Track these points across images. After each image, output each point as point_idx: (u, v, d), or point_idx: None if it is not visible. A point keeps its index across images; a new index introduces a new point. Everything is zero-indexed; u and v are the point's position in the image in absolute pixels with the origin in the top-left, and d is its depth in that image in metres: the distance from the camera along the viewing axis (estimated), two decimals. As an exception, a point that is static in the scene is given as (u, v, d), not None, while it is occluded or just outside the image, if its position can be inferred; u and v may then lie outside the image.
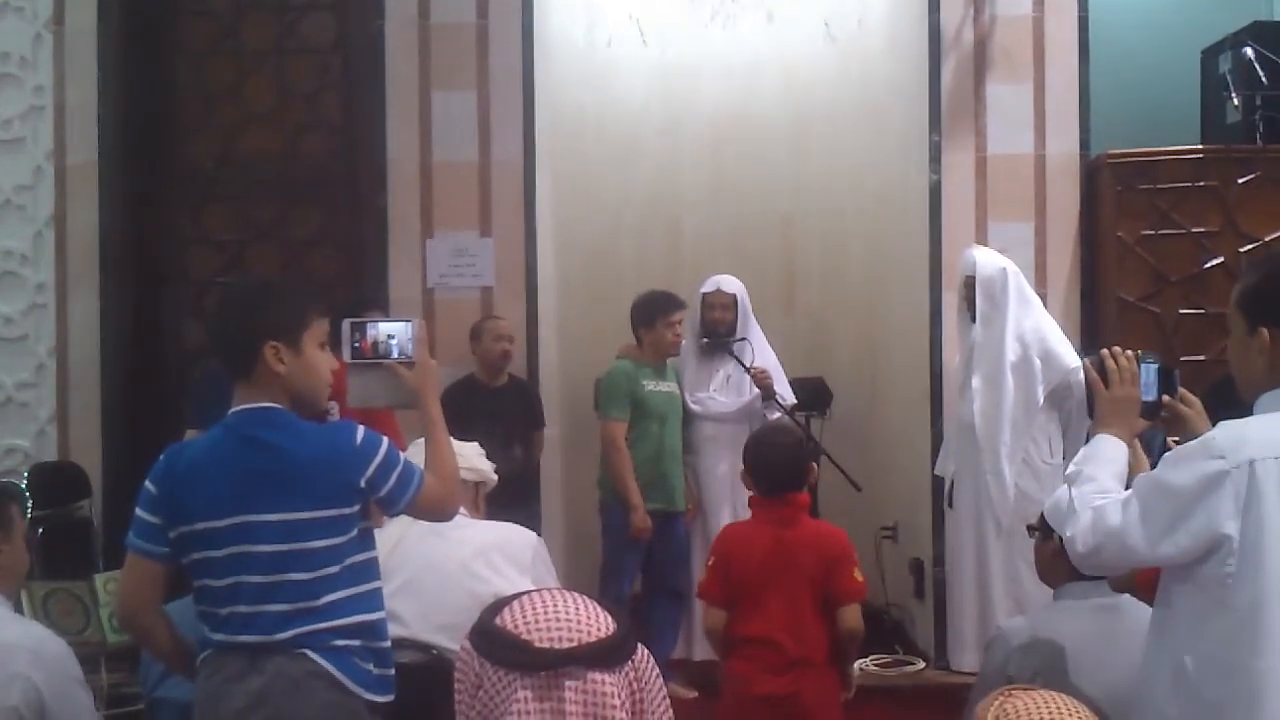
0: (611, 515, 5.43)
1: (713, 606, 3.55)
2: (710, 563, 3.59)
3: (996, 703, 2.08)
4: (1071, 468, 2.40)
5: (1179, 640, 2.18)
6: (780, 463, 3.57)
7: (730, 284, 5.66)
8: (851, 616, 3.45)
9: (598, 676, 1.89)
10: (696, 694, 5.12)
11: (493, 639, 1.92)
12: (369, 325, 2.77)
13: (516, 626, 1.91)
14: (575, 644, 1.89)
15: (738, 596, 3.50)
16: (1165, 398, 2.47)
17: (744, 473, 3.67)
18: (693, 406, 5.57)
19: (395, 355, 2.74)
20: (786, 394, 5.58)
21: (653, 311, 5.48)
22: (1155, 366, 2.48)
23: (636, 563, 5.42)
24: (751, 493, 3.64)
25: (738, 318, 5.60)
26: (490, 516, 3.37)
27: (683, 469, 5.52)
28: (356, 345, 2.75)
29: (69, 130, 5.77)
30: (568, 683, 1.88)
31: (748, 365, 5.47)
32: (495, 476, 3.34)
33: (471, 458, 3.21)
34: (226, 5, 5.97)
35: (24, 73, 5.81)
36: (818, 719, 3.44)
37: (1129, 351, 2.46)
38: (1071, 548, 2.29)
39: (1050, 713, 2.01)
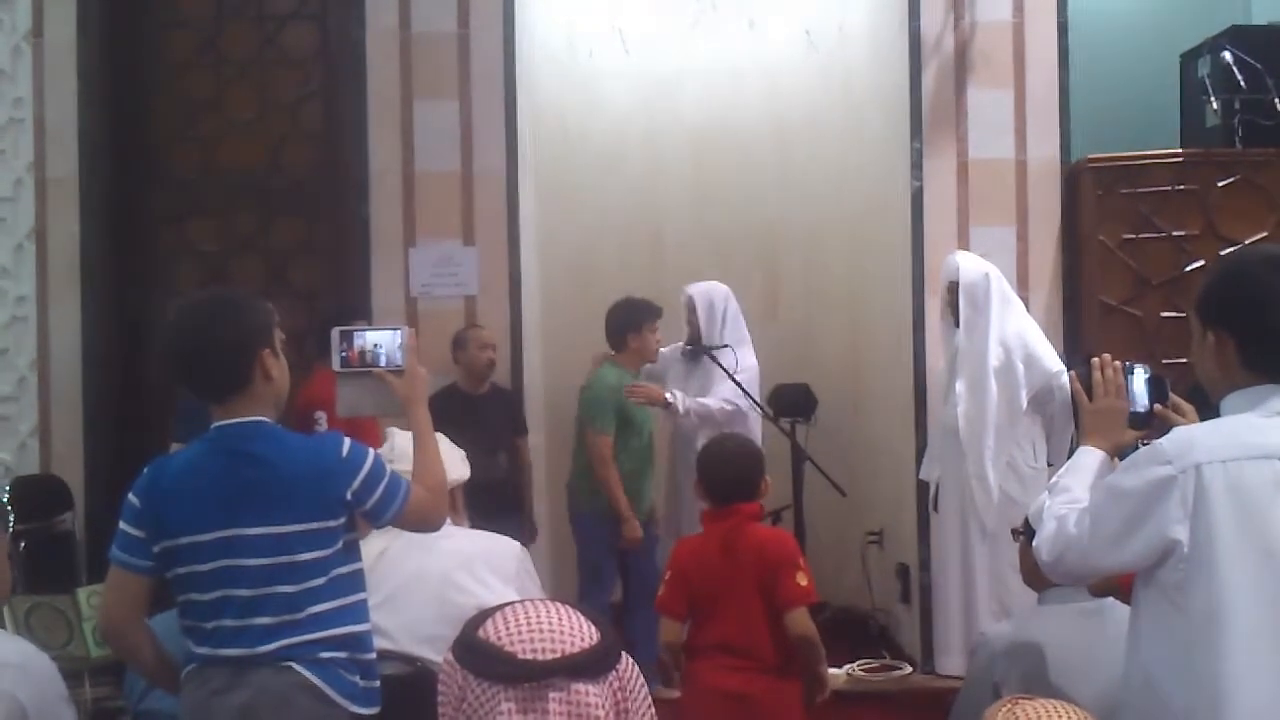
0: (585, 524, 5.43)
1: (669, 619, 3.54)
2: (667, 576, 3.57)
3: (1005, 709, 2.09)
4: (1052, 479, 2.42)
5: (1145, 645, 2.20)
6: (728, 474, 3.55)
7: (694, 288, 5.69)
8: (798, 622, 3.41)
9: (582, 687, 1.89)
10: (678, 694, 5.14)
11: (476, 651, 1.91)
12: (356, 334, 2.77)
13: (499, 638, 1.90)
14: (558, 655, 1.89)
15: (694, 607, 3.51)
16: (1157, 406, 2.48)
17: (696, 484, 3.66)
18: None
19: (383, 364, 2.73)
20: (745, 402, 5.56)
21: (640, 318, 5.50)
22: (1145, 376, 2.48)
23: (614, 570, 5.42)
24: (704, 505, 3.63)
25: (700, 322, 5.61)
26: (476, 525, 3.36)
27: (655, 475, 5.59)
28: (344, 354, 2.74)
29: (49, 142, 5.74)
30: (552, 694, 1.87)
31: (731, 371, 5.48)
32: (467, 471, 3.26)
33: (445, 452, 3.14)
34: (206, 16, 5.96)
35: (3, 85, 5.78)
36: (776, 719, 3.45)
37: (1116, 362, 2.47)
38: (1038, 557, 2.32)
39: None
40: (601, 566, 5.40)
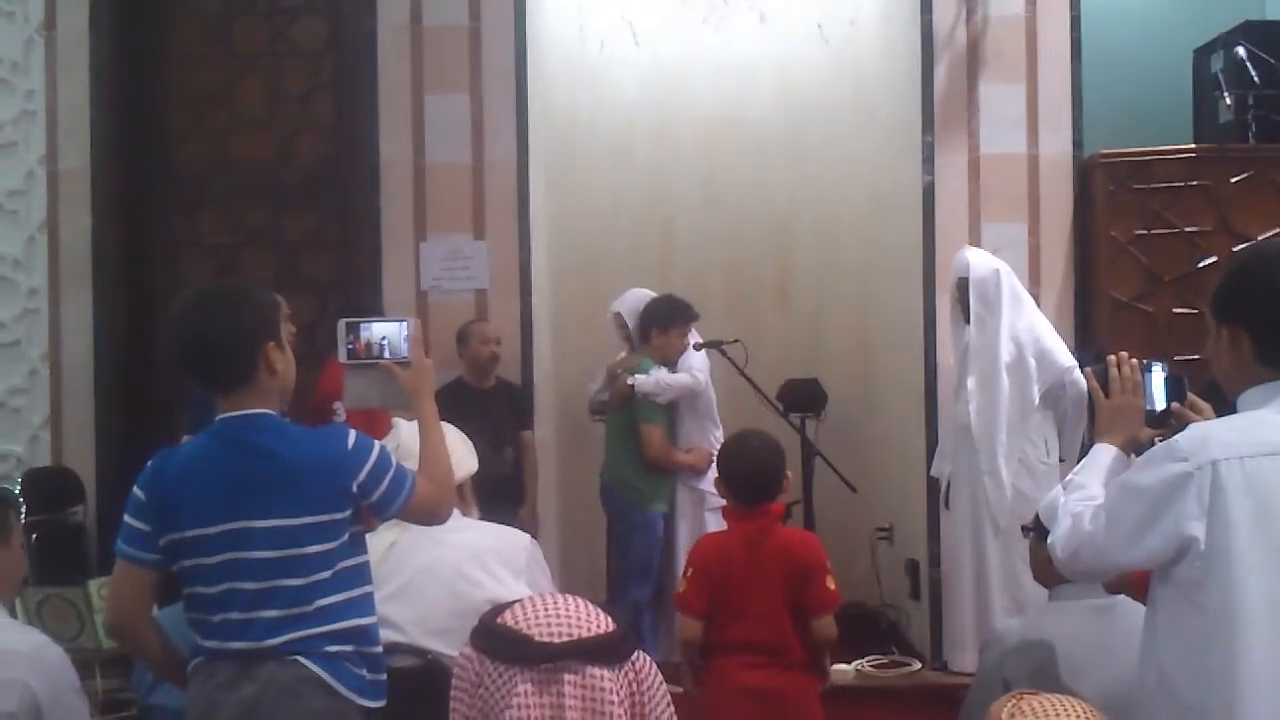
0: (648, 525, 5.45)
1: (690, 617, 3.51)
2: (689, 574, 3.53)
3: (1010, 704, 2.09)
4: (1069, 477, 2.41)
5: (1161, 642, 2.18)
6: (754, 472, 3.52)
7: (620, 303, 5.78)
8: (827, 627, 3.46)
9: (596, 671, 1.92)
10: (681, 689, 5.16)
11: (494, 636, 1.95)
12: (362, 326, 2.76)
13: (517, 623, 1.94)
14: (573, 638, 1.92)
15: (717, 606, 3.48)
16: (1174, 405, 2.47)
17: (717, 482, 3.64)
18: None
19: (389, 355, 2.73)
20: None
21: (669, 317, 5.54)
22: (1164, 375, 2.47)
23: (664, 565, 5.41)
24: (725, 502, 3.62)
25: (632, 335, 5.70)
26: (483, 518, 3.35)
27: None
28: (351, 346, 2.74)
29: (61, 135, 5.74)
30: (567, 676, 1.91)
31: (741, 367, 5.49)
32: (475, 463, 3.25)
33: (455, 444, 3.11)
34: (218, 9, 5.96)
35: (15, 77, 5.79)
36: (799, 715, 3.47)
37: (1133, 360, 2.46)
38: (1054, 554, 2.31)
39: (1064, 716, 2.03)
40: (651, 560, 5.42)
